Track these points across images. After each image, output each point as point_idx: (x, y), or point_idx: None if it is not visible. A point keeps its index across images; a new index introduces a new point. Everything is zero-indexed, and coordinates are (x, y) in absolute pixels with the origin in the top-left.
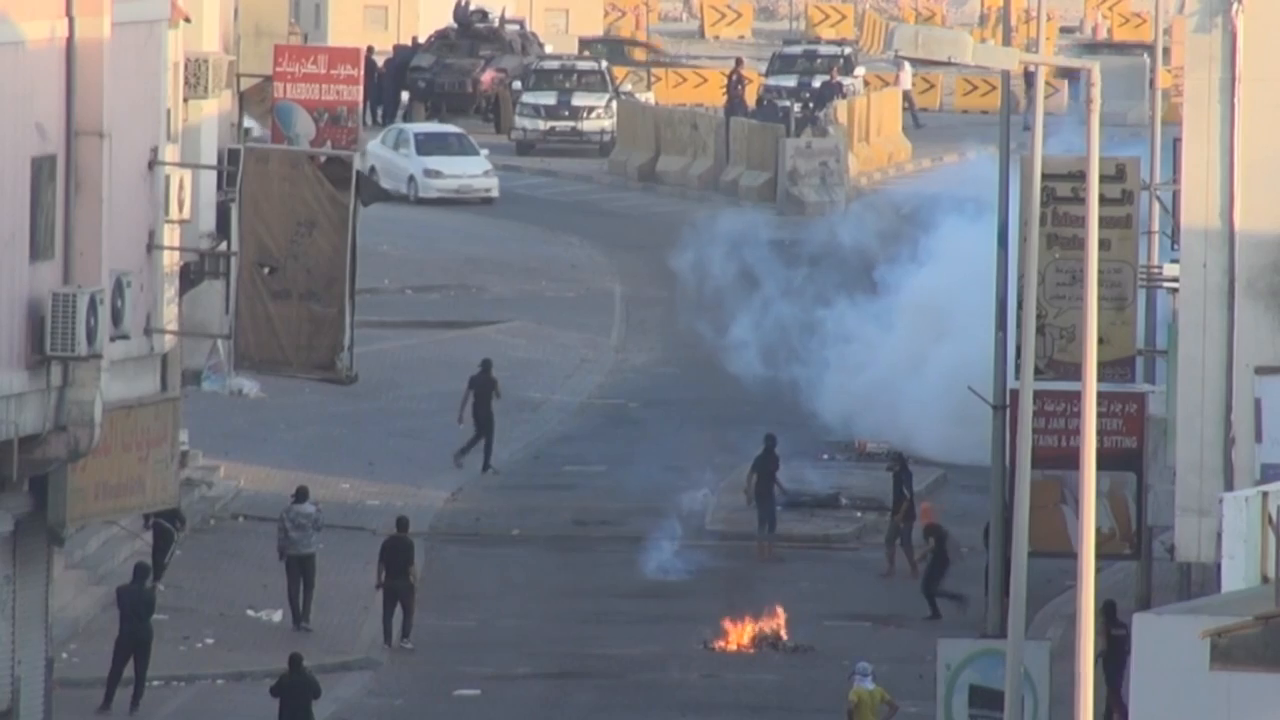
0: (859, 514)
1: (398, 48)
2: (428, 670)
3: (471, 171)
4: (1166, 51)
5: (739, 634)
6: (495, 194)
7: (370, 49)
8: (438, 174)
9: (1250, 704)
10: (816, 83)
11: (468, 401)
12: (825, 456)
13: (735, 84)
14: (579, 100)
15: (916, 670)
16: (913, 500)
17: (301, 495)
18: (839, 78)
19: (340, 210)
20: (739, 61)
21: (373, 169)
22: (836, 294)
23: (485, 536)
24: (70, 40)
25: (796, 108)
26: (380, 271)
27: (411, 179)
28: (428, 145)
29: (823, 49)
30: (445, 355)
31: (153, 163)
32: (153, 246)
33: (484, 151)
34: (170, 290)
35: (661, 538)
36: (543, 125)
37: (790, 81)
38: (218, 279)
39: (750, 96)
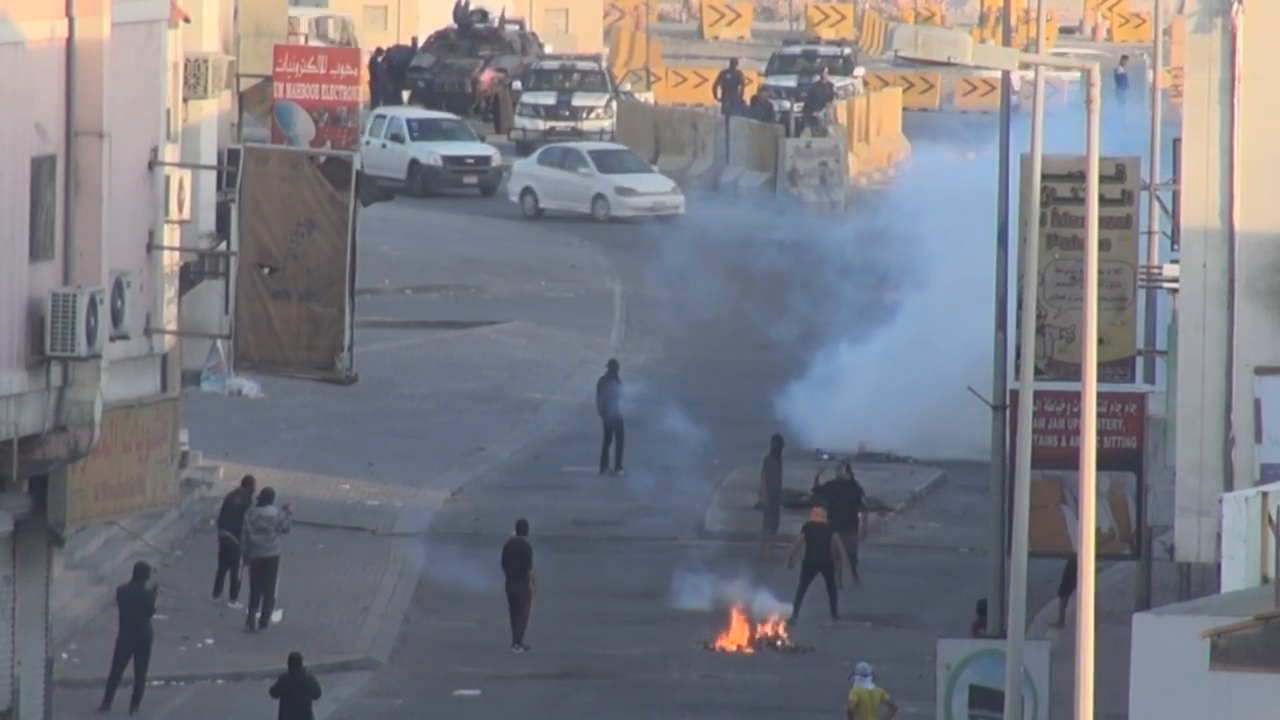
0: (859, 514)
1: (396, 48)
2: (428, 670)
3: (662, 189)
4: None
5: (739, 634)
6: (683, 210)
7: (379, 50)
8: (632, 191)
9: (1250, 704)
10: (833, 81)
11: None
12: (825, 456)
13: (728, 84)
14: (579, 100)
15: (916, 670)
16: (866, 512)
17: (265, 498)
18: (829, 78)
19: (340, 210)
20: (734, 61)
21: (527, 190)
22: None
23: (485, 536)
24: (70, 40)
25: (797, 109)
26: (380, 271)
27: (600, 198)
28: (607, 163)
29: (822, 49)
30: (445, 355)
31: (153, 163)
32: (153, 246)
33: (654, 168)
34: (170, 290)
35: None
36: (543, 125)
37: (790, 81)
38: (217, 279)
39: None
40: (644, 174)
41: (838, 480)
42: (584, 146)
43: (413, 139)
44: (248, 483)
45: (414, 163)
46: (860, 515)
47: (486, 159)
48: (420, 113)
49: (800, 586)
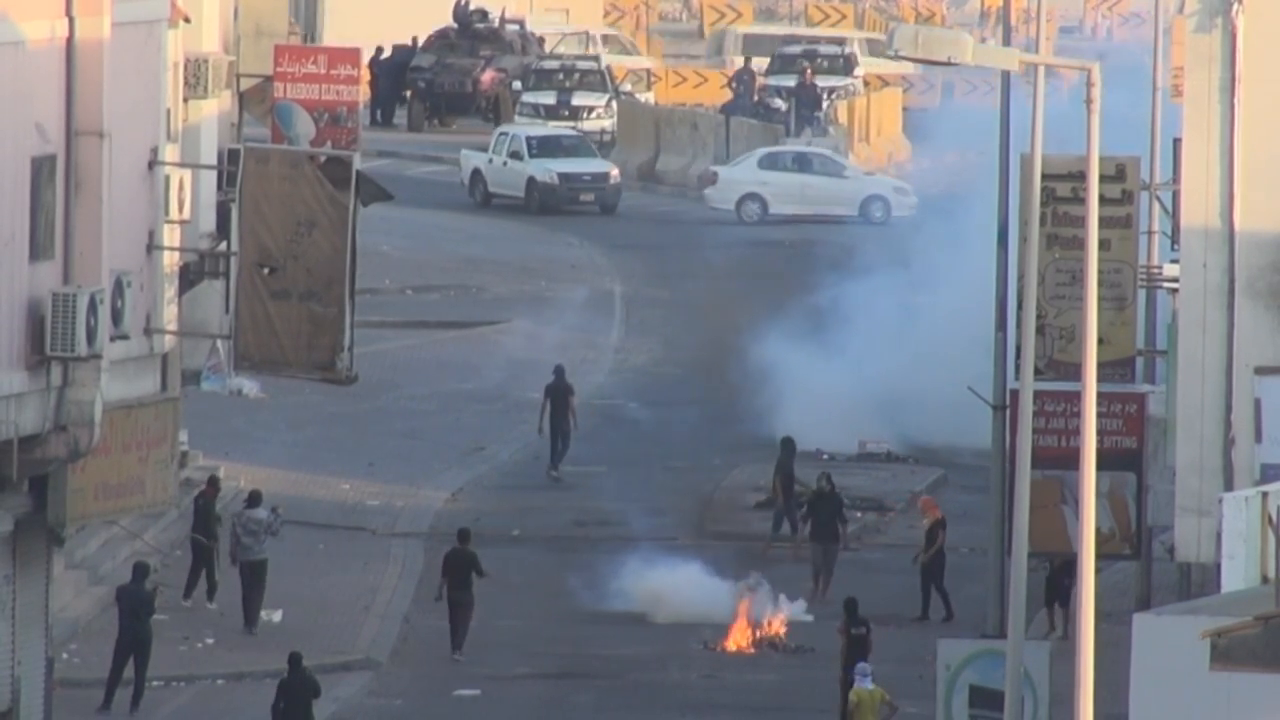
0: (859, 514)
1: (397, 47)
2: (428, 670)
3: (911, 188)
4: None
5: (739, 634)
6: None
7: (380, 49)
8: (905, 192)
9: (1250, 704)
10: (817, 82)
11: (545, 410)
12: (825, 456)
13: (740, 81)
14: (579, 100)
15: (916, 670)
16: (846, 524)
17: (254, 500)
18: (813, 79)
19: (340, 210)
20: (748, 60)
21: (751, 195)
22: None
23: (485, 536)
24: (70, 40)
25: (784, 106)
26: (380, 271)
27: (877, 199)
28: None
29: (823, 49)
30: (445, 355)
31: (153, 163)
32: (153, 246)
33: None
34: (170, 290)
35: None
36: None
37: (790, 81)
38: (218, 279)
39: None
40: (890, 175)
41: (819, 491)
42: (820, 150)
43: (531, 156)
44: (213, 482)
45: (531, 180)
46: (841, 526)
47: (604, 176)
48: (541, 129)
49: (922, 585)
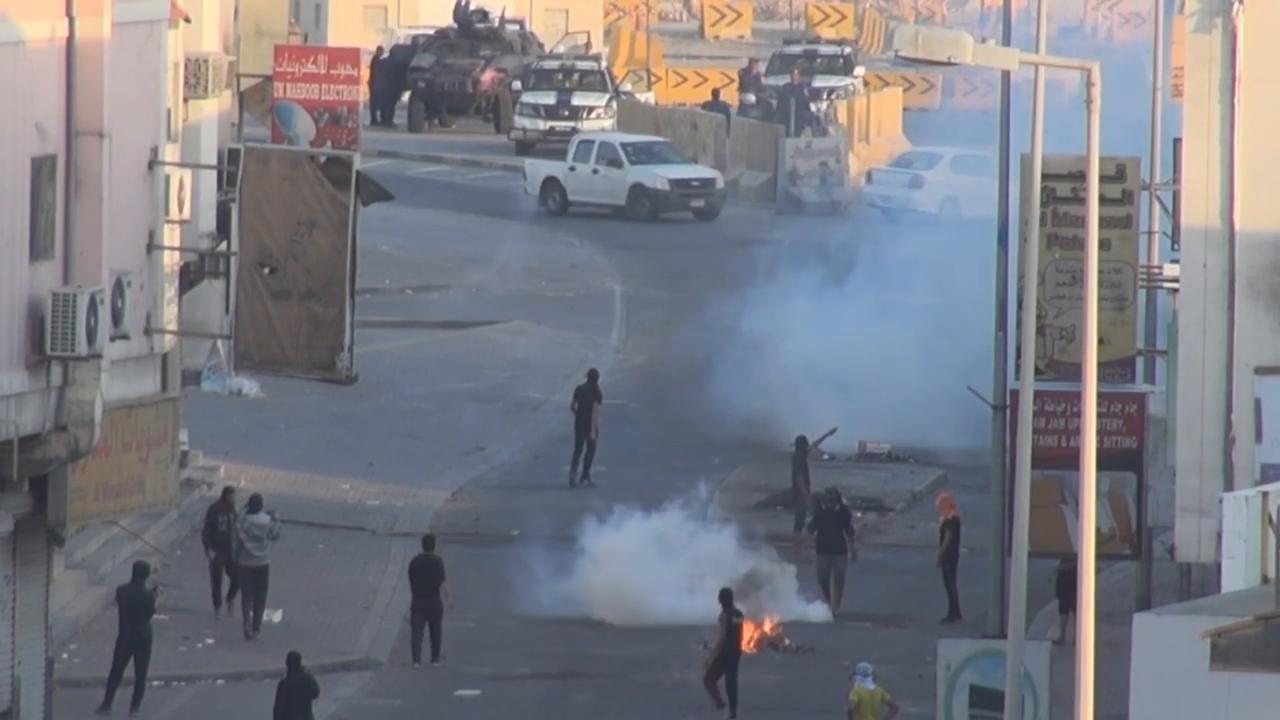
0: (859, 514)
1: (397, 47)
2: (428, 670)
3: None
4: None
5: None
6: None
7: (380, 49)
8: None
9: (1250, 704)
10: (817, 83)
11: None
12: (825, 456)
13: (749, 82)
14: (579, 100)
15: (916, 670)
16: (854, 535)
17: (255, 505)
18: (799, 79)
19: (340, 210)
20: (752, 61)
21: (951, 199)
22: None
23: (485, 536)
24: (70, 40)
25: (754, 100)
26: (380, 271)
27: None
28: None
29: (822, 49)
30: (445, 355)
31: (153, 163)
32: (153, 246)
33: None
34: (170, 290)
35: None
36: (543, 125)
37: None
38: (218, 279)
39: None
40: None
41: (826, 511)
42: (954, 151)
43: (631, 163)
44: (228, 494)
45: (637, 187)
46: (848, 538)
47: (711, 181)
48: (631, 136)
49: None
